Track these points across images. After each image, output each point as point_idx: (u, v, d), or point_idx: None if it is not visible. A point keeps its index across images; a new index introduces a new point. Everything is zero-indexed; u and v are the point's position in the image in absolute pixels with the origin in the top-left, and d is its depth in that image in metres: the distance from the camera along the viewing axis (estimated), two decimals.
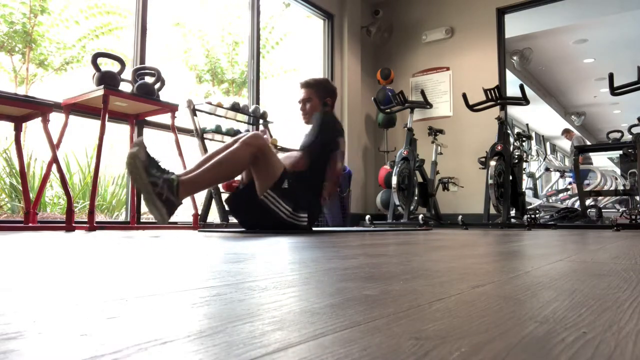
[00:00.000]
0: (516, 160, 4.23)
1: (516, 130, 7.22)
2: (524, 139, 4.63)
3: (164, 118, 3.41)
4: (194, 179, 2.12)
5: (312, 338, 0.32)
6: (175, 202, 1.99)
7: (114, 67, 3.03)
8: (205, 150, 3.56)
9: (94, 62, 2.88)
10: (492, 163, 3.92)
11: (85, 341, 0.31)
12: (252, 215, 2.55)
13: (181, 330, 0.34)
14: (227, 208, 3.07)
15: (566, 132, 9.07)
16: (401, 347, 0.30)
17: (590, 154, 7.55)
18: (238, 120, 4.03)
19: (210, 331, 0.34)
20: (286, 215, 2.40)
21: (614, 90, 3.71)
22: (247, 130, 3.80)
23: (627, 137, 4.71)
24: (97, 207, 3.83)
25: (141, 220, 3.39)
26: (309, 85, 2.79)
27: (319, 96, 2.78)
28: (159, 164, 2.04)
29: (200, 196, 3.54)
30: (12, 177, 3.57)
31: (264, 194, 2.35)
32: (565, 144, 13.30)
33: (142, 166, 1.89)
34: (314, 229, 2.86)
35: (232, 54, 5.57)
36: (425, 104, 4.63)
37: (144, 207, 3.23)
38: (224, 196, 3.29)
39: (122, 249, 1.21)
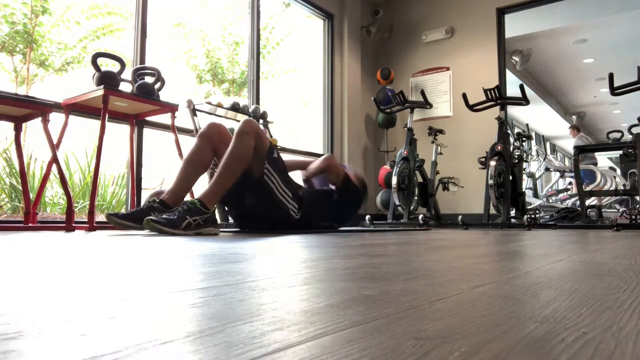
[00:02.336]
0: (516, 160, 4.23)
1: (516, 130, 7.21)
2: (524, 139, 4.63)
3: (164, 118, 3.42)
4: (211, 192, 2.19)
5: (312, 338, 0.32)
6: (209, 217, 2.13)
7: (114, 67, 3.03)
8: None
9: (94, 62, 2.88)
10: (492, 163, 3.92)
11: (85, 341, 0.31)
12: (247, 201, 2.49)
13: (181, 330, 0.34)
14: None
15: (572, 129, 8.46)
16: (401, 347, 0.30)
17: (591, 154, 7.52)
18: (238, 120, 4.03)
19: (210, 331, 0.34)
20: (280, 194, 2.41)
21: (614, 90, 3.71)
22: None
23: (627, 137, 4.71)
24: (97, 207, 3.82)
25: None
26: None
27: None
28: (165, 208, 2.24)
29: None
30: (12, 177, 3.58)
31: (263, 171, 2.35)
32: (565, 144, 13.31)
33: (160, 224, 1.98)
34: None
35: (233, 54, 5.57)
36: (425, 104, 4.63)
37: None
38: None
39: (122, 249, 1.21)
